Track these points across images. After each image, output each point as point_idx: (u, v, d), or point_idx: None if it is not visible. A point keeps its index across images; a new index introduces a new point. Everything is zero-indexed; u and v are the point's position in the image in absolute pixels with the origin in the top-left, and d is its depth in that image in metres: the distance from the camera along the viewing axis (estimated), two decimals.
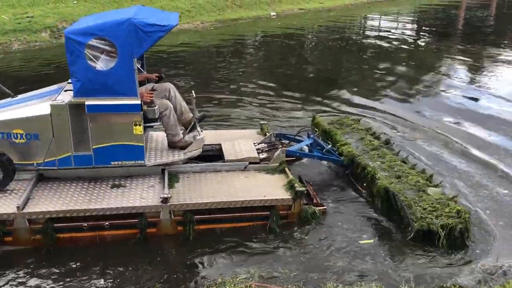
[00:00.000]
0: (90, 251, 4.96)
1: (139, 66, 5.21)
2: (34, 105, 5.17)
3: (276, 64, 13.15)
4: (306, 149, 6.24)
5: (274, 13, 20.61)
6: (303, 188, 5.31)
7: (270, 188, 5.45)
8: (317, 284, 4.39)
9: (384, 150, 6.50)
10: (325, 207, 5.54)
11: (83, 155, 5.24)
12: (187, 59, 13.40)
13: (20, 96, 5.67)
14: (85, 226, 4.95)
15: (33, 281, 4.53)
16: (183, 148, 5.78)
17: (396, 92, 10.52)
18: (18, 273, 4.63)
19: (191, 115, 6.01)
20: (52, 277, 4.59)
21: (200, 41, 15.97)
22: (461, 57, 13.39)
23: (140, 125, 5.21)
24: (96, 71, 4.86)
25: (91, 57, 4.84)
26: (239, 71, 12.24)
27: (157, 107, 5.39)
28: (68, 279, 4.55)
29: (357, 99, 9.94)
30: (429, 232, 4.92)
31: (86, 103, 4.93)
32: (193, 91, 5.86)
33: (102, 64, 4.89)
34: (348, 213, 5.64)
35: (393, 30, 17.86)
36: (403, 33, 17.09)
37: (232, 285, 4.22)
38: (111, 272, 4.67)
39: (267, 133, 6.68)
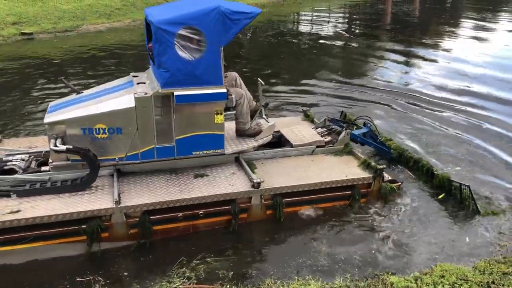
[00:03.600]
0: (184, 242, 4.98)
1: None
2: (114, 99, 5.08)
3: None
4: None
5: None
6: (383, 166, 5.53)
7: (346, 168, 5.63)
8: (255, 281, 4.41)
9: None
10: (400, 183, 5.78)
11: (166, 147, 5.22)
12: (122, 58, 13.02)
13: (87, 92, 5.54)
14: (180, 216, 4.95)
15: (133, 275, 4.49)
16: (252, 135, 5.86)
17: (339, 76, 11.31)
18: (118, 267, 4.60)
19: (254, 102, 6.09)
20: (150, 269, 4.57)
21: (134, 40, 15.46)
22: (392, 47, 14.49)
23: (221, 114, 5.25)
24: (185, 61, 4.85)
25: (181, 47, 4.82)
26: None
27: (233, 95, 5.44)
28: (163, 270, 4.55)
29: (299, 88, 10.42)
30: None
31: (175, 93, 4.91)
32: (259, 79, 5.93)
33: (191, 53, 4.88)
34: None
35: (325, 25, 18.51)
36: (335, 28, 17.84)
37: None
38: (203, 262, 4.68)
39: (314, 119, 6.86)
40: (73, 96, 5.50)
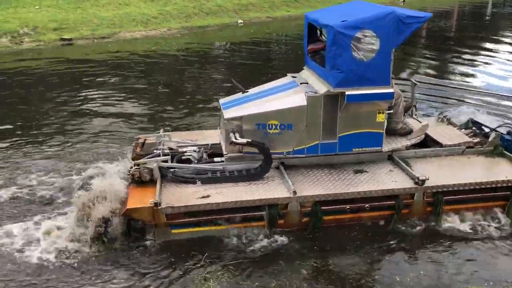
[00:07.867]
0: (349, 232, 5.34)
1: None
2: (286, 98, 5.50)
3: (246, 71, 12.95)
4: None
5: (242, 21, 20.22)
6: None
7: (501, 169, 5.69)
8: None
9: None
10: None
11: (329, 143, 5.56)
12: (155, 66, 13.31)
13: (253, 91, 6.00)
14: (348, 208, 5.27)
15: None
16: (402, 134, 6.06)
17: None
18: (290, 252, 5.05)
19: (404, 102, 6.29)
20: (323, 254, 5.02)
21: (168, 48, 15.61)
22: (427, 61, 14.07)
23: (383, 113, 5.52)
24: (358, 62, 5.17)
25: (356, 49, 5.15)
26: (210, 78, 12.05)
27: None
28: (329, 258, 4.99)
29: None
30: None
31: (347, 93, 5.24)
32: (412, 79, 6.13)
33: (364, 55, 5.19)
34: None
35: None
36: None
37: None
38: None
39: (451, 120, 6.91)
40: (240, 94, 5.99)
